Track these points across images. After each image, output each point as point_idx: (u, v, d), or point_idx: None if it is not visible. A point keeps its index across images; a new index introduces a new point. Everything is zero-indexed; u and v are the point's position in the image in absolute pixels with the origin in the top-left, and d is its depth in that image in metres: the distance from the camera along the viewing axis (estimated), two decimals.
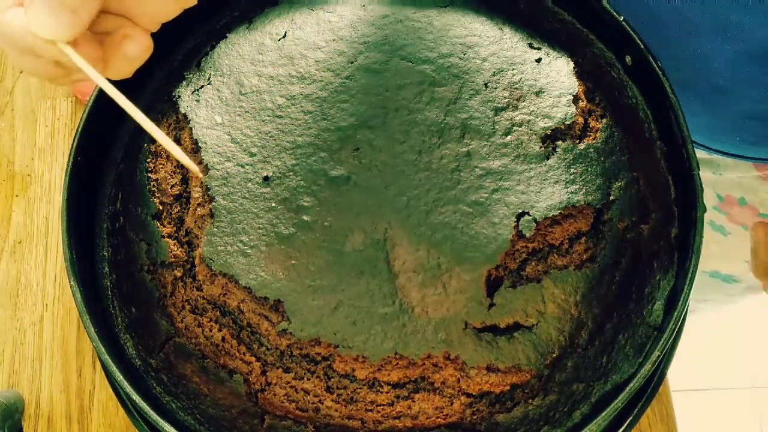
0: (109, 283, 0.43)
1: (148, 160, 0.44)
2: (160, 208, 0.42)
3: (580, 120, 0.43)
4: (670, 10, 0.50)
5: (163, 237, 0.41)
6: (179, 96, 0.45)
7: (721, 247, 0.77)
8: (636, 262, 0.41)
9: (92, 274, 0.43)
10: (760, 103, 0.52)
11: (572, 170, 0.41)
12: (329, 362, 0.38)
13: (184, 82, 0.45)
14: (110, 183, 0.46)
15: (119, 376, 0.37)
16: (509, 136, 0.41)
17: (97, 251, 0.44)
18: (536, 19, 0.47)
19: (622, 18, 0.44)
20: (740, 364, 1.52)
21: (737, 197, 0.70)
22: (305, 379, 0.38)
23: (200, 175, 0.38)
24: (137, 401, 0.36)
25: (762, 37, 0.46)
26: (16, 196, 0.63)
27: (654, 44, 0.44)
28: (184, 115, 0.43)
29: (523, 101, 0.43)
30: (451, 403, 0.38)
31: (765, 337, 1.52)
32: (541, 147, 0.41)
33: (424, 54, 0.43)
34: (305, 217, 0.39)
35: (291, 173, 0.40)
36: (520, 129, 0.42)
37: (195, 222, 0.41)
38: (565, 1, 0.47)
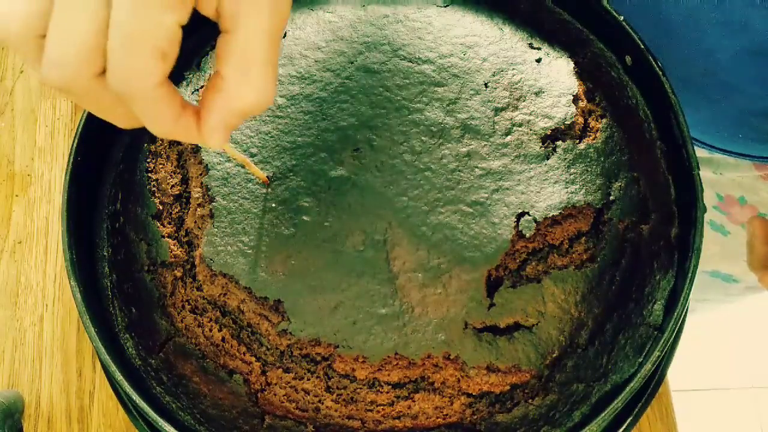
0: (109, 283, 0.43)
1: (148, 160, 0.44)
2: (160, 208, 0.42)
3: (580, 120, 0.43)
4: (675, 5, 0.50)
5: (163, 237, 0.41)
6: None
7: (721, 247, 0.77)
8: (636, 262, 0.41)
9: (92, 274, 0.43)
10: (762, 99, 0.52)
11: (572, 170, 0.41)
12: (329, 362, 0.38)
13: (184, 82, 0.45)
14: (110, 183, 0.45)
15: (119, 376, 0.37)
16: (509, 136, 0.41)
17: (97, 251, 0.44)
18: (536, 19, 0.47)
19: (622, 18, 0.44)
20: (740, 364, 1.52)
21: (737, 197, 0.70)
22: (305, 379, 0.38)
23: (266, 181, 0.40)
24: (137, 401, 0.36)
25: (766, 33, 0.46)
26: (16, 196, 0.63)
27: (658, 40, 0.44)
28: None
29: (523, 101, 0.43)
30: (451, 403, 0.38)
31: (765, 337, 1.52)
32: (541, 147, 0.41)
33: (424, 54, 0.43)
34: (305, 218, 0.39)
35: (291, 173, 0.40)
36: (520, 129, 0.42)
37: (195, 222, 0.41)
38: (565, 1, 0.47)
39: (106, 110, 0.29)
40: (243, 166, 0.41)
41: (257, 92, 0.29)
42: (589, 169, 0.42)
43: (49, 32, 0.27)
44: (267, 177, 0.40)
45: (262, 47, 0.28)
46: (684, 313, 0.41)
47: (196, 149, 0.42)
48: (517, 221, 0.39)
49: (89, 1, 0.26)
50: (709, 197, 0.72)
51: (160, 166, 0.43)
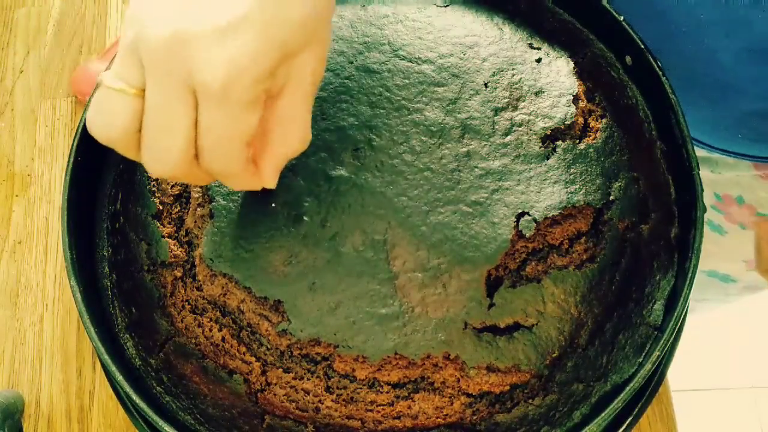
0: (109, 283, 0.43)
1: None
2: (160, 208, 0.42)
3: (580, 120, 0.43)
4: (677, 5, 0.50)
5: (163, 237, 0.41)
6: None
7: (718, 247, 0.77)
8: (636, 262, 0.41)
9: (92, 274, 0.43)
10: (763, 99, 0.52)
11: (572, 170, 0.41)
12: (329, 362, 0.38)
13: None
14: (110, 183, 0.45)
15: (119, 376, 0.37)
16: (509, 136, 0.41)
17: (97, 251, 0.44)
18: (536, 19, 0.47)
19: (622, 18, 0.44)
20: (740, 364, 1.52)
21: (735, 196, 0.70)
22: (305, 379, 0.38)
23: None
24: (137, 401, 0.36)
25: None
26: (16, 196, 0.63)
27: (659, 39, 0.44)
28: None
29: (523, 101, 0.43)
30: (451, 403, 0.38)
31: (765, 337, 1.52)
32: (541, 147, 0.41)
33: (424, 54, 0.43)
34: (305, 218, 0.39)
35: (291, 173, 0.40)
36: (519, 129, 0.42)
37: (195, 222, 0.41)
38: (565, 1, 0.47)
39: (194, 180, 0.34)
40: None
41: (301, 140, 0.34)
42: (589, 169, 0.42)
43: (147, 133, 0.31)
44: None
45: (304, 107, 0.33)
46: (684, 313, 0.41)
47: None
48: (517, 221, 0.39)
49: (179, 106, 0.30)
50: (707, 196, 0.72)
51: None
